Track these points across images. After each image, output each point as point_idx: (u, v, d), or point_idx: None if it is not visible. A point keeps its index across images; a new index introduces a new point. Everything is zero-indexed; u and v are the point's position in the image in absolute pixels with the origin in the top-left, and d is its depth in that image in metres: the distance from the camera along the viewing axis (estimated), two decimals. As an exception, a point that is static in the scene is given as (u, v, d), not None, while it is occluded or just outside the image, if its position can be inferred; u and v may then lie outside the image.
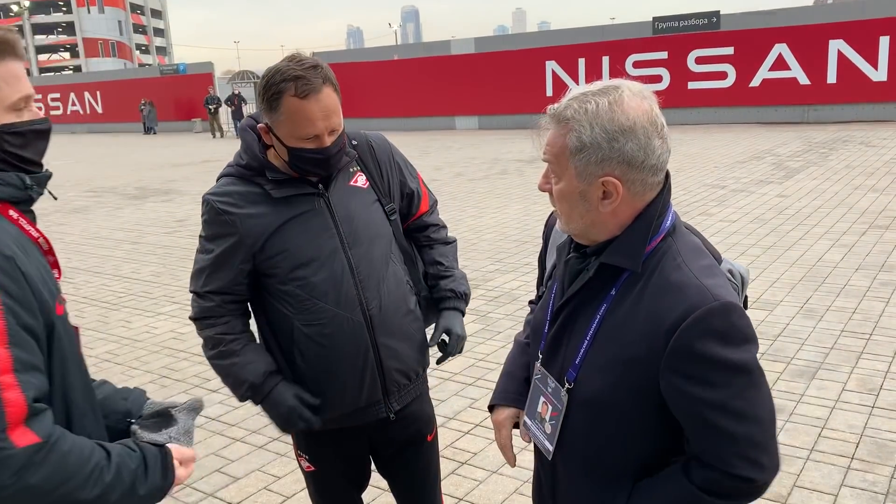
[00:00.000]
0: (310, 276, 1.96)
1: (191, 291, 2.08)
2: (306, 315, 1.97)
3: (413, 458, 2.28)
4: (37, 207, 1.44)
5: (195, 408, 1.58)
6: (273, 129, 1.89)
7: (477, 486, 3.41)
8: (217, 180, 2.06)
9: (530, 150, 17.00)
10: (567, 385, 1.40)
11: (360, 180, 2.07)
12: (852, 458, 3.41)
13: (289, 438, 2.41)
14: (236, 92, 27.70)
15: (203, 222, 2.03)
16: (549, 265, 1.69)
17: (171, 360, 5.26)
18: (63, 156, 23.27)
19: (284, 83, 1.79)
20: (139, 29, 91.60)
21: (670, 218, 1.38)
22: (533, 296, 1.98)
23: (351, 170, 2.06)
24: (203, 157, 20.30)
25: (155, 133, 31.44)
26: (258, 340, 2.10)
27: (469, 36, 26.37)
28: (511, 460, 1.65)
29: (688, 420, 1.31)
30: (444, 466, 3.18)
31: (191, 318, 2.09)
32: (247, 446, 3.89)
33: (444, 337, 2.22)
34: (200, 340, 2.10)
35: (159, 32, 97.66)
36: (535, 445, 1.55)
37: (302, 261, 1.95)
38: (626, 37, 20.92)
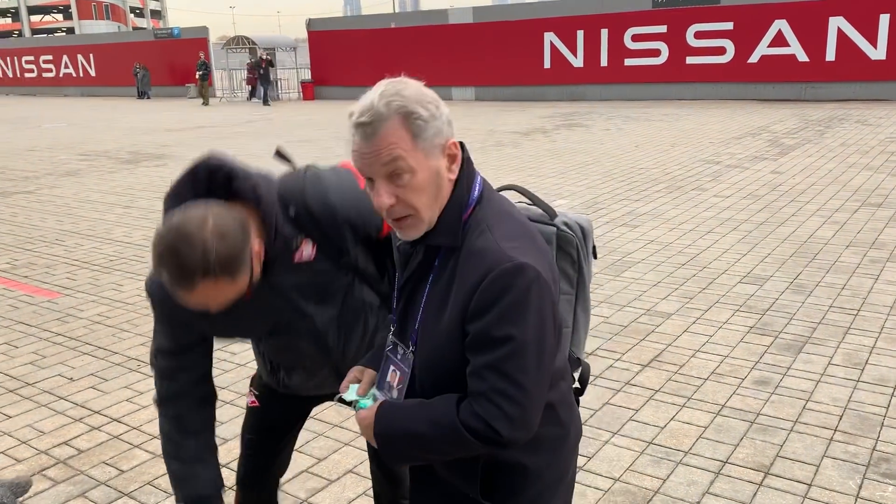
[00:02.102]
0: (271, 355, 2.06)
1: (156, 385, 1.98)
2: (271, 368, 2.10)
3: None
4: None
5: (21, 489, 1.55)
6: None
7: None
8: None
9: (527, 123, 16.95)
10: (411, 347, 1.52)
11: (307, 251, 1.82)
12: (835, 430, 3.46)
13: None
14: (265, 56, 26.48)
15: (151, 306, 1.89)
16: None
17: (162, 323, 5.26)
18: (56, 119, 23.06)
19: (159, 269, 1.56)
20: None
21: (477, 188, 1.47)
22: None
23: (294, 244, 1.80)
24: (197, 123, 20.14)
25: (149, 97, 31.14)
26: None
27: (468, 5, 26.05)
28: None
29: (471, 370, 1.41)
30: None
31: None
32: (235, 408, 3.92)
33: None
34: None
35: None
36: None
37: (259, 334, 2.00)
38: (626, 9, 20.75)
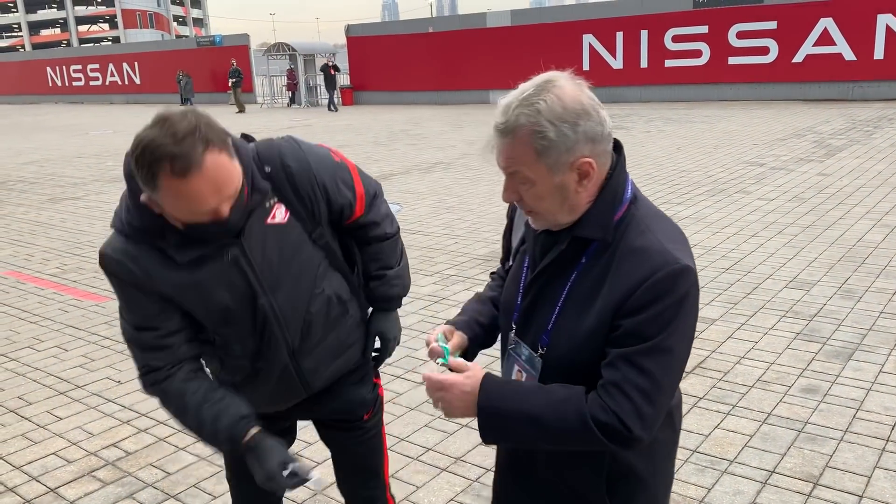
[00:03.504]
0: (226, 330, 1.83)
1: (138, 361, 1.84)
2: (225, 360, 1.90)
3: (345, 438, 2.19)
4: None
5: (305, 477, 1.67)
6: (159, 203, 1.60)
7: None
8: (111, 227, 1.79)
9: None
10: (540, 350, 1.47)
11: (280, 214, 1.80)
12: (887, 441, 3.36)
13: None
14: (332, 62, 25.85)
15: (109, 278, 1.79)
16: (514, 241, 1.69)
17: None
18: (102, 126, 23.62)
19: (158, 163, 1.49)
20: (176, 0, 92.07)
21: (630, 188, 1.45)
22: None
23: (267, 204, 1.78)
24: (238, 129, 20.37)
25: (192, 104, 31.71)
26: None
27: (506, 8, 26.01)
28: (428, 346, 1.63)
29: (610, 360, 1.36)
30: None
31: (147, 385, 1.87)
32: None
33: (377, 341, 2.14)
34: None
35: (196, 3, 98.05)
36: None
37: (217, 315, 1.80)
38: (666, 10, 20.50)
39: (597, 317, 1.38)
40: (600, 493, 1.49)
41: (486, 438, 1.44)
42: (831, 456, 3.27)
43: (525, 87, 1.37)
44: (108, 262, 1.75)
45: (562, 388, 1.40)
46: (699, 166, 10.67)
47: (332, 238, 1.95)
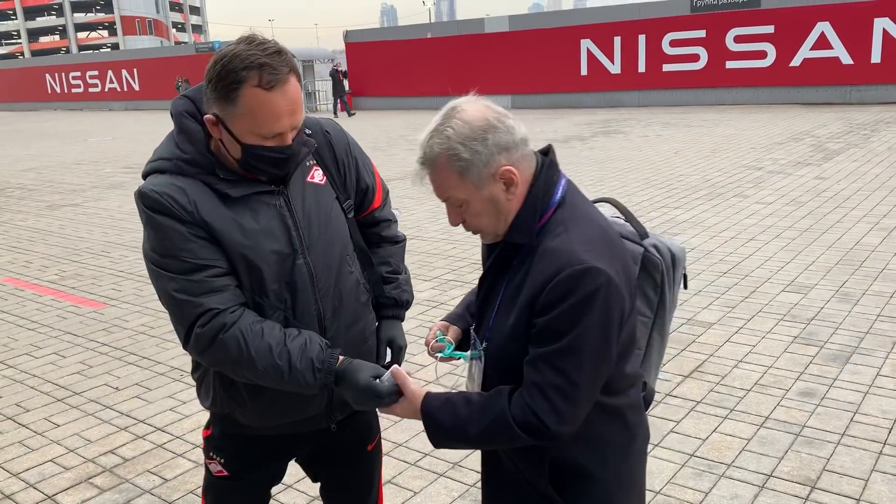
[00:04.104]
0: (267, 282, 1.73)
1: (188, 318, 1.67)
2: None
3: (352, 467, 2.11)
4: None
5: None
6: (226, 123, 1.61)
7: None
8: (145, 176, 1.73)
9: (564, 130, 16.87)
10: (483, 344, 1.61)
11: (318, 175, 1.85)
12: (885, 444, 3.36)
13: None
14: (339, 68, 25.48)
15: (151, 227, 1.67)
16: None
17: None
18: (101, 132, 23.64)
19: (246, 71, 1.54)
20: (175, 7, 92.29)
21: (560, 191, 1.53)
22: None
23: (308, 164, 1.82)
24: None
25: (190, 110, 31.66)
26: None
27: (504, 14, 26.07)
28: (428, 346, 1.80)
29: (528, 360, 1.46)
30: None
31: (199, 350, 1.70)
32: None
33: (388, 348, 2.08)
34: None
35: (195, 10, 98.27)
36: None
37: (259, 265, 1.71)
38: (663, 15, 20.54)
39: (517, 315, 1.49)
40: (545, 484, 1.57)
41: (434, 442, 1.56)
42: (828, 459, 3.27)
43: (434, 120, 1.50)
44: (151, 197, 1.65)
45: (493, 391, 1.52)
46: (697, 170, 10.69)
47: (355, 226, 1.98)
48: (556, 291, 1.40)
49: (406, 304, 2.12)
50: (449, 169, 1.46)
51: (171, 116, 1.73)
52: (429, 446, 3.63)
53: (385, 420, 3.80)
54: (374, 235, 2.08)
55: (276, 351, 1.66)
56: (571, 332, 1.40)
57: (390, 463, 3.44)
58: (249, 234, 1.70)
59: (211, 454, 2.00)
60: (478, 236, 1.60)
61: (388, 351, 2.06)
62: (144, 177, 1.74)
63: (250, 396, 1.82)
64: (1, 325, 5.74)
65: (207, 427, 2.03)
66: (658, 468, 3.26)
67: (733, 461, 3.30)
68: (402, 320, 2.13)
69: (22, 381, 4.66)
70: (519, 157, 1.48)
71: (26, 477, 3.51)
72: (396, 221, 2.16)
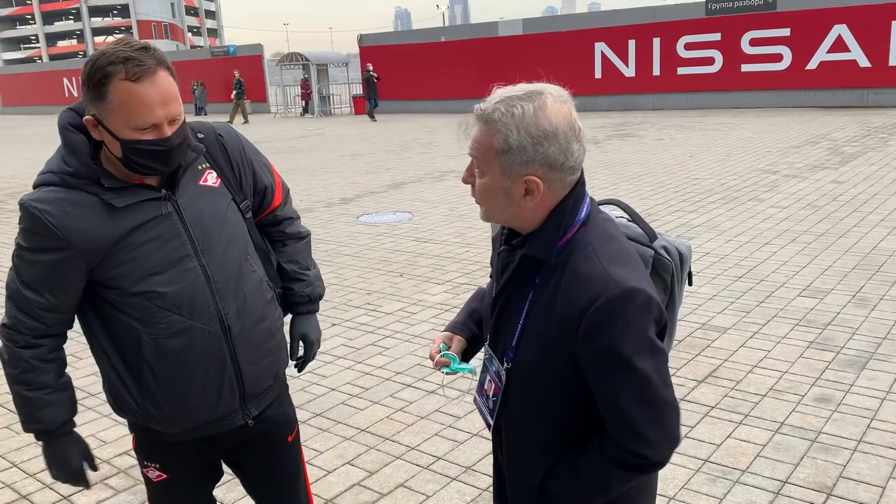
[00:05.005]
0: (159, 287, 1.76)
1: (10, 316, 1.80)
2: (156, 328, 1.78)
3: (272, 460, 2.13)
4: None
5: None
6: (102, 121, 1.64)
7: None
8: (34, 188, 1.76)
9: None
10: (506, 365, 1.54)
11: (211, 178, 1.87)
12: (902, 451, 3.33)
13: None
14: (373, 72, 25.09)
15: (22, 231, 1.75)
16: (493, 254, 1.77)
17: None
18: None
19: (113, 66, 1.58)
20: (191, 11, 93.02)
21: (585, 209, 1.48)
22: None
23: (199, 167, 1.86)
24: (252, 137, 20.48)
25: (206, 114, 31.88)
26: (96, 355, 1.90)
27: (518, 17, 26.04)
28: (433, 360, 1.73)
29: (598, 398, 1.44)
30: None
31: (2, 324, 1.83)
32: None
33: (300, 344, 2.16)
34: None
35: (210, 14, 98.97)
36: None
37: (150, 271, 1.75)
38: (678, 18, 20.49)
39: (551, 338, 1.44)
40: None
41: None
42: (845, 466, 3.24)
43: (518, 88, 1.43)
44: (32, 213, 1.70)
45: (584, 459, 1.48)
46: (712, 174, 10.63)
47: (253, 226, 2.02)
48: (600, 317, 1.37)
49: (317, 299, 2.18)
50: (491, 140, 1.41)
51: (58, 130, 1.76)
52: (442, 449, 3.65)
53: (398, 424, 3.80)
54: (278, 234, 2.13)
55: (21, 381, 1.84)
56: (630, 356, 1.37)
57: (403, 466, 3.45)
58: (137, 243, 1.75)
59: (145, 463, 2.05)
60: (488, 239, 1.60)
61: (301, 345, 2.16)
62: (34, 188, 1.77)
63: (161, 403, 1.86)
64: (18, 327, 5.79)
65: (134, 438, 2.07)
66: (672, 473, 3.25)
67: (748, 467, 3.28)
68: (316, 313, 2.20)
69: (39, 382, 4.70)
70: (556, 179, 1.42)
71: (42, 477, 3.54)
72: (299, 218, 2.21)
